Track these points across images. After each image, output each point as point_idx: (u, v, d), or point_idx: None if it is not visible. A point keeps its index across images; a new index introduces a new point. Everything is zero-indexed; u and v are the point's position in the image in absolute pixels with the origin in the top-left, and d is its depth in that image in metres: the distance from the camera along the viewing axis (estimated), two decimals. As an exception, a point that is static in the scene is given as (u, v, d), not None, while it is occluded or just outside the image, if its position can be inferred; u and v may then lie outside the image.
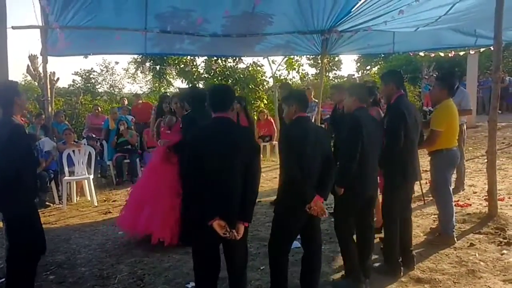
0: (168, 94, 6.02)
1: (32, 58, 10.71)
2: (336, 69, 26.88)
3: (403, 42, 9.56)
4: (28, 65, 10.72)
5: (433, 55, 11.47)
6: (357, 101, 3.83)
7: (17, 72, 30.70)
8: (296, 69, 15.12)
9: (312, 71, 25.36)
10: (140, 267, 4.57)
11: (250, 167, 3.07)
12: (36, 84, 11.95)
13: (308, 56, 19.55)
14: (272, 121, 10.86)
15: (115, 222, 5.66)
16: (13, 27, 6.85)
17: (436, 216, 5.51)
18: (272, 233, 3.54)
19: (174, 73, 17.71)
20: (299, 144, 3.26)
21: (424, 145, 4.64)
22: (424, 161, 5.47)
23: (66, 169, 7.52)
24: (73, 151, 7.68)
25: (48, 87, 8.34)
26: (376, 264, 4.23)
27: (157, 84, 23.26)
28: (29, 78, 18.79)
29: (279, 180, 3.51)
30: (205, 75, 14.81)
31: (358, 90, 4.01)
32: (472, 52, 11.32)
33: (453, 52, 10.80)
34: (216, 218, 2.90)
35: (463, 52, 11.19)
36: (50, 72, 8.64)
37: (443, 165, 4.69)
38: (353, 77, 10.14)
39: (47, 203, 7.40)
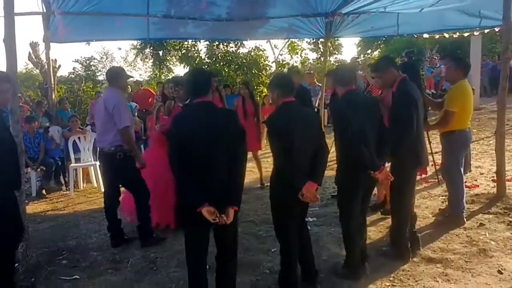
0: (177, 78, 6.03)
1: (34, 45, 10.63)
2: (337, 53, 26.72)
3: (407, 24, 9.46)
4: (29, 53, 10.64)
5: (437, 36, 11.38)
6: (339, 86, 3.71)
7: (18, 60, 30.33)
8: (299, 53, 15.03)
9: (312, 55, 25.22)
10: (152, 251, 4.59)
11: (237, 151, 3.01)
12: (38, 71, 11.89)
13: (309, 40, 19.50)
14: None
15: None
16: (15, 14, 6.78)
17: (444, 197, 5.53)
18: (273, 221, 3.55)
19: (175, 60, 17.59)
20: (285, 132, 3.19)
21: (437, 126, 4.60)
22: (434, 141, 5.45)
23: (72, 156, 7.52)
24: (79, 138, 7.67)
25: (51, 74, 8.30)
26: (384, 248, 4.23)
27: (157, 71, 23.14)
28: (30, 66, 18.73)
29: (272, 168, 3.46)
30: (207, 60, 14.73)
31: (337, 74, 3.86)
32: (476, 33, 11.24)
33: (457, 34, 10.71)
34: (205, 205, 2.86)
35: (468, 34, 11.11)
36: (52, 59, 8.59)
37: (455, 146, 4.66)
38: (357, 60, 10.06)
39: (43, 191, 7.37)
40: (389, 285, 3.58)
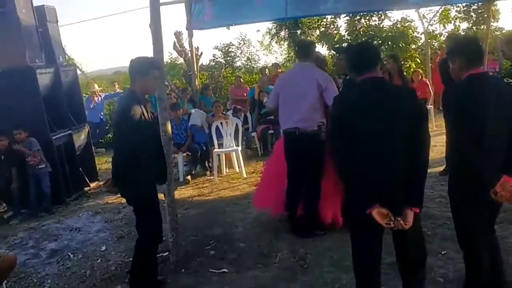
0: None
1: (178, 34, 11.07)
2: (493, 20, 23.55)
3: None
4: (174, 42, 11.12)
5: None
6: None
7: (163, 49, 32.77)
8: (452, 22, 13.34)
9: (463, 25, 22.54)
10: (300, 245, 4.23)
11: (416, 137, 2.40)
12: (182, 60, 12.41)
13: (458, 9, 17.34)
14: (428, 82, 9.67)
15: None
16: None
17: None
18: (455, 224, 2.83)
19: (312, 39, 17.08)
20: (473, 111, 2.46)
21: None
22: None
23: (215, 141, 7.55)
24: (221, 123, 7.67)
25: (194, 61, 8.47)
26: None
27: (292, 53, 22.89)
28: (174, 55, 19.89)
29: (446, 149, 2.78)
30: (348, 37, 13.89)
31: None
32: None
33: None
34: (376, 206, 2.33)
35: None
36: (195, 47, 8.77)
37: None
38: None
39: (188, 177, 7.40)
40: None
